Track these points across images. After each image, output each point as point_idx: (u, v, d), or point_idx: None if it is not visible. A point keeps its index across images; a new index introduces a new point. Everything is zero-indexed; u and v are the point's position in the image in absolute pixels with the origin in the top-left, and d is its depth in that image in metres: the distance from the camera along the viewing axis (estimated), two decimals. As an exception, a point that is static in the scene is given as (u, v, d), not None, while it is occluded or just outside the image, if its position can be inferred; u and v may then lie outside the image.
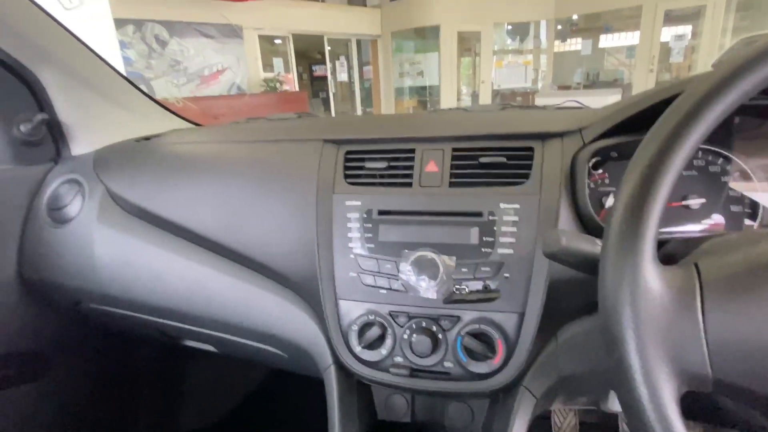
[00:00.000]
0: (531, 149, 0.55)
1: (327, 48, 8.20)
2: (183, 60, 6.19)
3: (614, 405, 0.60)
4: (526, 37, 9.11)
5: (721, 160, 0.54)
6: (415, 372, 0.53)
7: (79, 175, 0.75)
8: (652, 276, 0.27)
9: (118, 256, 0.69)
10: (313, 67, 9.17)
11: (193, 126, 1.01)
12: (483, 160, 0.56)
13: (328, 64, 8.36)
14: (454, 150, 0.57)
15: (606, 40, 8.35)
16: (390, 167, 0.59)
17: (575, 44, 8.71)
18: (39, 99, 0.76)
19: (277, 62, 7.43)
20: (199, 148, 0.73)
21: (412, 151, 0.59)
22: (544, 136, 0.56)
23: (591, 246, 0.41)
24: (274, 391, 1.21)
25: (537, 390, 0.51)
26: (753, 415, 0.34)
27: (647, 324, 0.26)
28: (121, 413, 0.96)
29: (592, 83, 8.62)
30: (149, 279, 0.67)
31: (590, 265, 0.42)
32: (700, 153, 0.55)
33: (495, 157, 0.55)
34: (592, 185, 0.54)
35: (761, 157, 0.53)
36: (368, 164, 0.59)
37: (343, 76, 8.88)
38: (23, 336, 0.77)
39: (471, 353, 0.51)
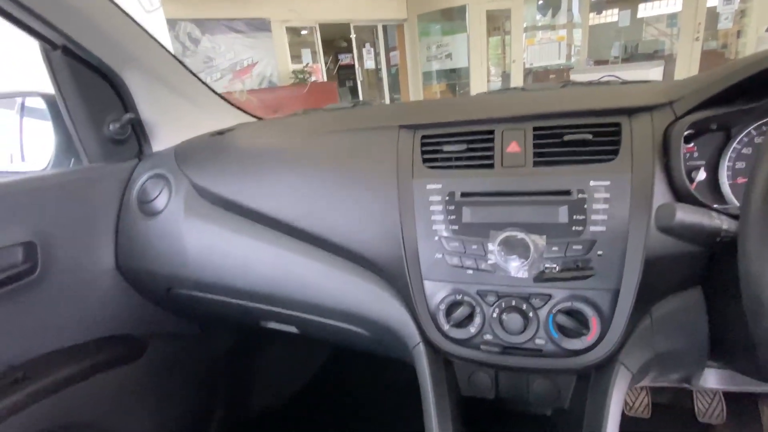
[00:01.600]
0: (618, 125, 0.55)
1: (353, 35, 8.17)
2: (215, 56, 6.33)
3: (707, 381, 0.60)
4: (558, 11, 8.74)
5: None
6: (506, 349, 0.54)
7: (164, 170, 0.80)
8: None
9: (207, 245, 0.73)
10: (339, 56, 9.17)
11: (256, 119, 1.05)
12: (567, 137, 0.55)
13: (355, 52, 8.33)
14: (536, 129, 0.57)
15: (645, 10, 7.90)
16: (469, 149, 0.59)
17: (611, 16, 8.29)
18: (124, 100, 0.81)
19: (305, 53, 7.48)
20: (276, 139, 0.76)
21: (491, 132, 0.59)
22: (630, 111, 0.55)
23: (709, 219, 0.40)
24: (338, 371, 1.26)
25: (633, 366, 0.51)
26: None
27: None
28: (201, 393, 1.03)
29: (631, 56, 8.21)
30: (237, 265, 0.71)
31: (708, 238, 0.41)
32: None
33: (580, 135, 0.55)
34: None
35: None
36: (446, 147, 0.60)
37: (369, 64, 8.83)
38: (122, 321, 0.83)
39: (564, 330, 0.52)
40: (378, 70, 9.20)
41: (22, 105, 0.93)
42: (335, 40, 8.81)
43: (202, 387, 1.01)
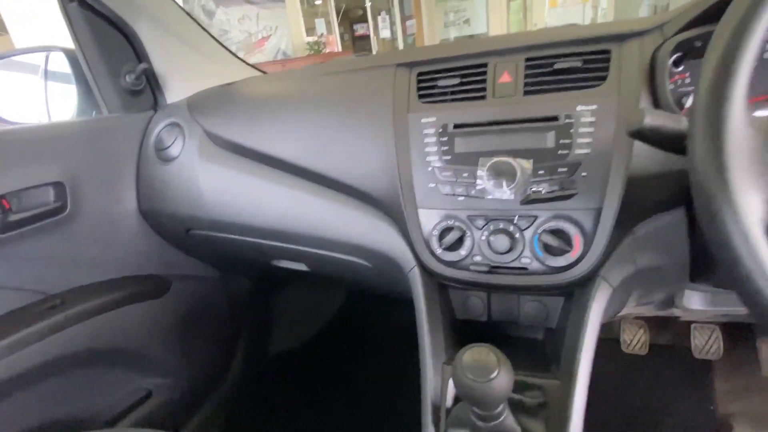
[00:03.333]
0: (608, 51, 0.56)
1: (368, 4, 7.99)
2: (230, 29, 6.32)
3: (691, 303, 0.62)
4: (584, -30, 8.27)
5: None
6: (493, 268, 0.57)
7: (178, 119, 0.84)
8: (742, 122, 0.29)
9: (220, 187, 0.79)
10: (354, 26, 9.00)
11: (263, 74, 1.08)
12: (558, 66, 0.57)
13: (370, 21, 8.16)
14: (527, 60, 0.59)
15: (678, -35, 7.40)
16: (462, 83, 0.61)
17: (641, -27, 7.79)
18: (138, 51, 0.86)
19: (319, 23, 7.37)
20: (281, 86, 0.79)
21: (485, 65, 0.61)
22: (621, 37, 0.56)
23: (676, 123, 0.42)
24: (353, 315, 1.33)
25: (614, 280, 0.54)
26: None
27: (736, 159, 0.29)
28: (224, 333, 1.11)
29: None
30: (248, 204, 0.76)
31: (675, 142, 0.43)
32: None
33: (570, 62, 0.56)
34: (671, 86, 0.53)
35: None
36: (441, 82, 0.62)
37: (385, 33, 8.65)
38: (144, 261, 0.90)
39: (548, 248, 0.54)
40: (394, 39, 9.01)
41: (46, 63, 0.99)
42: (350, 9, 8.63)
43: (224, 327, 1.09)
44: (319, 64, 0.88)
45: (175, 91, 0.93)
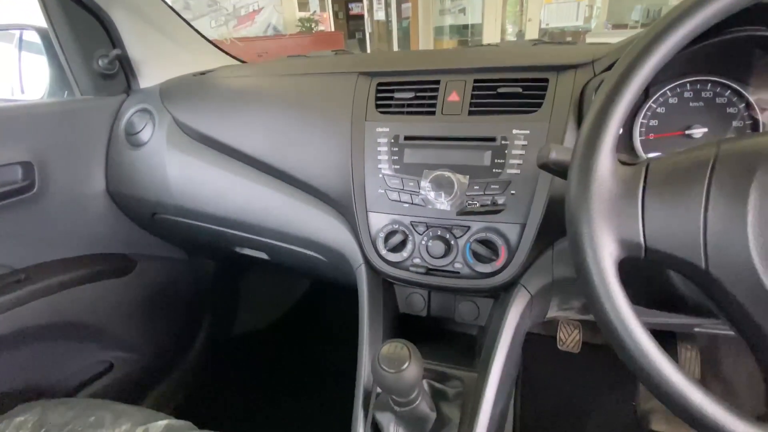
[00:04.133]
0: (546, 80, 0.61)
1: (364, -17, 7.84)
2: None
3: None
4: (582, -33, 8.26)
5: (728, 92, 0.58)
6: (430, 270, 0.63)
7: (149, 105, 0.87)
8: (606, 170, 0.35)
9: (186, 175, 0.82)
10: (350, 5, 8.83)
11: (239, 62, 1.10)
12: (501, 90, 0.62)
13: (365, 2, 8.02)
14: (476, 81, 0.64)
15: (673, -30, 7.45)
16: (417, 97, 0.66)
17: (638, -25, 7.83)
18: (112, 37, 0.87)
19: (313, 0, 7.21)
20: (250, 81, 0.82)
21: (437, 82, 0.65)
22: (559, 68, 0.61)
23: None
24: (315, 303, 1.39)
25: (532, 288, 0.60)
26: (702, 299, 0.42)
27: (597, 204, 0.35)
28: (187, 313, 1.16)
29: (653, 21, 7.82)
30: (212, 193, 0.80)
31: None
32: (708, 85, 0.59)
33: (512, 88, 0.62)
34: None
35: (766, 88, 0.57)
36: (397, 95, 0.67)
37: (380, 15, 8.52)
38: (112, 240, 0.94)
39: (478, 256, 0.60)
40: (388, 22, 8.89)
41: (20, 38, 0.99)
42: (346, -13, 8.46)
43: (188, 307, 1.14)
44: (287, 59, 0.91)
45: (150, 77, 0.95)
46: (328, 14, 7.38)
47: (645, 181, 0.35)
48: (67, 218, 0.86)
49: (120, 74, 0.91)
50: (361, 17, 8.32)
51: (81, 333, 0.90)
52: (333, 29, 7.32)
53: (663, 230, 0.34)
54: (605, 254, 0.34)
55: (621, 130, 0.63)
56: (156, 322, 1.04)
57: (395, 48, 8.90)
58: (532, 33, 8.04)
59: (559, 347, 0.99)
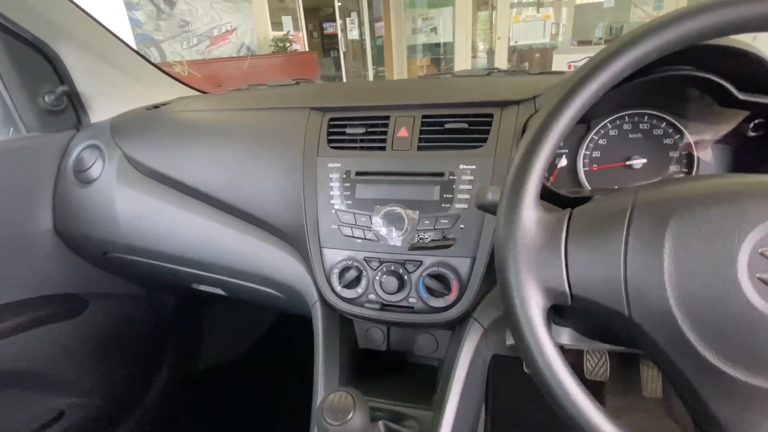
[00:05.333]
0: (491, 115, 0.62)
1: (337, 3, 7.96)
2: (192, 20, 6.12)
3: (560, 338, 0.70)
4: (546, -13, 8.61)
5: (664, 124, 0.60)
6: (385, 306, 0.63)
7: (98, 141, 0.85)
8: (531, 220, 0.36)
9: (137, 212, 0.80)
10: (324, 25, 8.95)
11: (198, 93, 1.09)
12: (448, 125, 0.63)
13: (338, 21, 8.14)
14: (424, 117, 0.64)
15: (632, -10, 7.85)
16: (368, 132, 0.66)
17: (599, -5, 8.21)
18: (59, 72, 0.85)
19: (286, 20, 7.27)
20: (203, 115, 0.81)
21: (388, 117, 0.66)
22: (503, 104, 0.63)
23: None
24: (281, 336, 1.36)
25: (485, 321, 0.61)
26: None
27: (522, 254, 0.35)
28: (147, 352, 1.11)
29: (615, 38, 8.18)
30: (164, 231, 0.78)
31: None
32: (646, 117, 0.61)
33: (458, 123, 0.63)
34: None
35: (700, 123, 0.59)
36: (349, 130, 0.67)
37: (354, 34, 8.65)
38: (61, 280, 0.90)
39: (431, 291, 0.60)
40: (362, 40, 9.02)
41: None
42: (320, 7, 8.58)
43: (147, 345, 1.09)
44: (246, 90, 0.90)
45: (102, 111, 0.92)
46: (302, 34, 7.44)
47: (567, 230, 0.36)
48: (12, 260, 0.82)
49: (69, 109, 0.89)
50: (335, 36, 8.43)
51: (28, 381, 0.85)
52: (307, 48, 7.37)
53: (587, 278, 0.34)
54: (532, 304, 0.35)
55: (566, 161, 0.65)
56: (111, 363, 0.99)
57: (370, 66, 9.02)
58: (501, 50, 8.28)
59: (587, 377, 0.97)
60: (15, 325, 0.79)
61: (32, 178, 0.84)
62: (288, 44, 6.77)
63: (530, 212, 0.36)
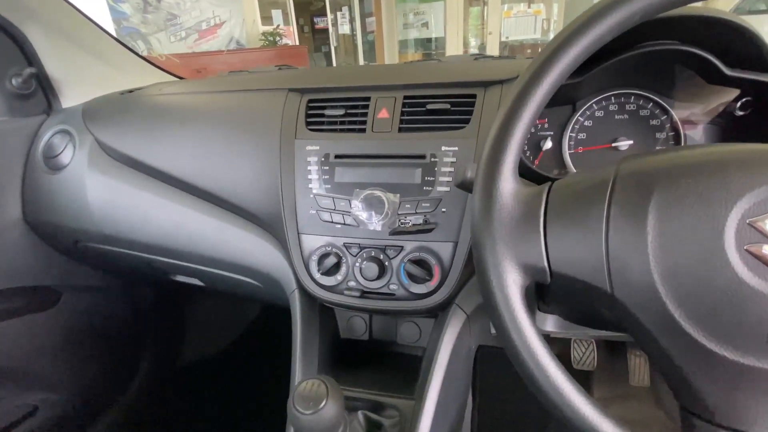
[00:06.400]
0: (474, 96, 0.60)
1: (327, -3, 7.89)
2: (179, 13, 6.02)
3: (545, 326, 0.69)
4: (538, -17, 8.61)
5: (650, 105, 0.59)
6: (365, 294, 0.60)
7: (69, 126, 0.81)
8: (508, 193, 0.34)
9: (109, 200, 0.77)
10: (315, 19, 8.87)
11: (176, 79, 1.05)
12: (430, 106, 0.61)
13: (329, 16, 8.07)
14: (405, 98, 0.62)
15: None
16: (347, 114, 0.64)
17: (589, -10, 8.23)
18: (27, 55, 0.82)
19: (276, 14, 7.19)
20: (177, 99, 0.78)
21: (368, 99, 0.64)
22: (486, 84, 0.61)
23: None
24: (262, 330, 1.33)
25: (467, 307, 0.59)
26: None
27: (499, 229, 0.33)
28: (125, 346, 1.08)
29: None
30: (137, 219, 0.75)
31: None
32: (632, 98, 0.60)
33: (440, 104, 0.60)
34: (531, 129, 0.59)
35: (687, 102, 0.58)
36: (328, 112, 0.64)
37: (345, 28, 8.58)
38: (31, 271, 0.86)
39: (412, 277, 0.58)
40: (353, 35, 8.96)
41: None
42: (311, 2, 8.49)
43: (125, 339, 1.06)
44: (225, 76, 0.87)
45: (74, 96, 0.89)
46: (293, 28, 7.36)
47: (546, 204, 0.34)
48: None
49: (38, 94, 0.85)
50: (326, 31, 8.36)
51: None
52: (298, 43, 7.30)
53: (566, 254, 0.32)
54: (509, 281, 0.33)
55: (550, 143, 0.63)
56: (87, 358, 0.96)
57: (361, 61, 8.97)
58: (493, 46, 8.28)
59: (574, 366, 0.97)
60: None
61: None
62: (278, 38, 6.70)
63: (507, 184, 0.34)
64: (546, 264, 0.33)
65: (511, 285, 0.32)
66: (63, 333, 0.90)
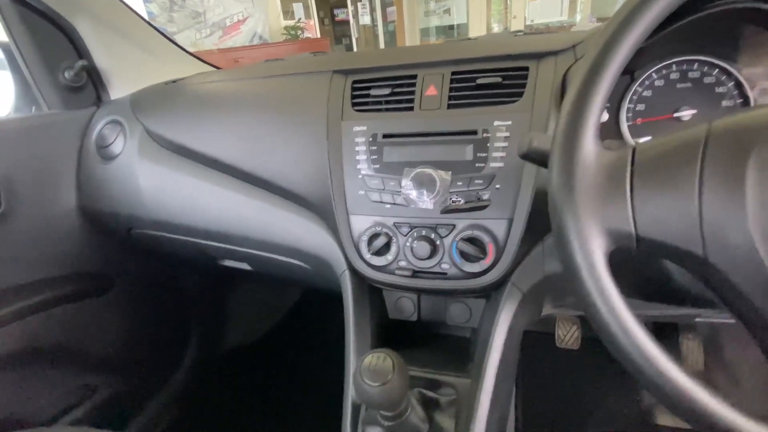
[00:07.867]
0: (526, 68, 0.58)
1: (348, -11, 7.85)
2: (204, 11, 6.12)
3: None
4: (563, -37, 8.30)
5: (716, 71, 0.55)
6: (416, 273, 0.60)
7: (119, 117, 0.84)
8: (590, 157, 0.32)
9: (160, 186, 0.79)
10: (335, 11, 8.85)
11: (215, 69, 1.07)
12: (480, 81, 0.59)
13: (350, 7, 8.04)
14: (453, 74, 0.61)
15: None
16: (393, 93, 0.63)
17: (619, -32, 7.87)
18: (77, 47, 0.84)
19: (297, 8, 7.22)
20: (221, 86, 0.79)
21: (414, 77, 0.63)
22: (539, 56, 0.59)
23: None
24: (307, 314, 1.35)
25: (524, 286, 0.57)
26: (701, 289, 0.40)
27: (580, 194, 0.32)
28: (173, 330, 1.12)
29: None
30: (188, 204, 0.77)
31: None
32: (695, 65, 0.56)
33: (491, 78, 0.59)
34: None
35: (756, 67, 0.54)
36: (374, 92, 0.64)
37: (365, 19, 8.53)
38: (88, 258, 0.90)
39: (465, 255, 0.57)
40: (374, 26, 8.89)
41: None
42: (331, -7, 8.47)
43: (173, 324, 1.10)
44: (263, 63, 0.88)
45: (121, 87, 0.91)
46: (314, 21, 7.37)
47: (632, 166, 0.32)
48: (37, 238, 0.82)
49: (89, 86, 0.88)
50: (346, 22, 8.33)
51: (58, 357, 0.86)
52: (319, 36, 7.30)
53: (655, 218, 0.31)
54: (594, 247, 0.31)
55: (607, 115, 0.61)
56: (140, 341, 1.00)
57: (382, 51, 8.87)
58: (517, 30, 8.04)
59: (557, 345, 0.96)
60: (43, 301, 0.80)
61: (55, 156, 0.83)
62: (300, 32, 6.73)
63: (590, 148, 0.33)
64: (633, 228, 0.31)
65: (596, 250, 0.31)
66: (117, 317, 0.94)
